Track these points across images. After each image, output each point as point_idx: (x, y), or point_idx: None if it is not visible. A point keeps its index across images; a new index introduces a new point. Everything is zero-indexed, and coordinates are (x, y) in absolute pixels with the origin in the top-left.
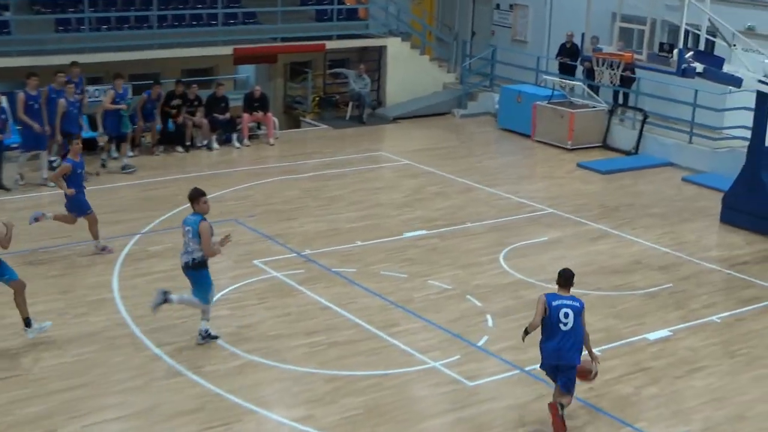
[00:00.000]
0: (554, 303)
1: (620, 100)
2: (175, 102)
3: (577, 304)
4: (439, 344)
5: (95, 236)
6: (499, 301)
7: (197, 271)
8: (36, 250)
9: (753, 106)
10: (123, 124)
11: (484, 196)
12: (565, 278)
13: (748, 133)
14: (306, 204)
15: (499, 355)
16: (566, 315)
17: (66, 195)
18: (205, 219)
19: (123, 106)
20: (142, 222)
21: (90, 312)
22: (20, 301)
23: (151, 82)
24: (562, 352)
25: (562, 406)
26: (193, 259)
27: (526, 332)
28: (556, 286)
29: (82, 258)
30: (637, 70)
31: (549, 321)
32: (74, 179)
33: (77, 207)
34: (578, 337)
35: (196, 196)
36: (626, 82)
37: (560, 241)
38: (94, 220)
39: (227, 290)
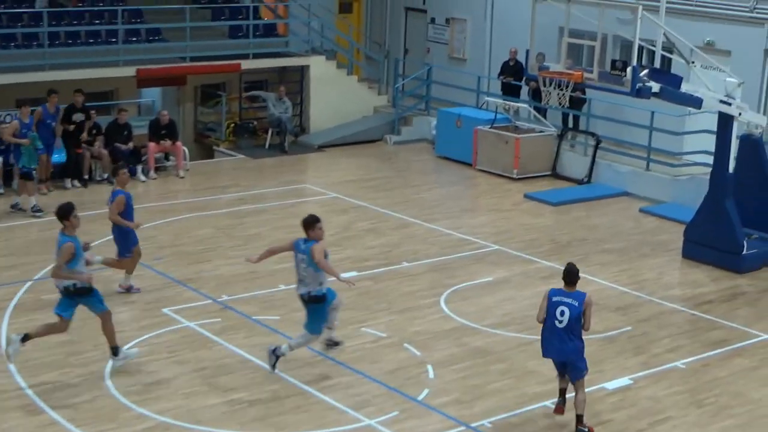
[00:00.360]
0: (554, 299)
1: (570, 124)
2: (77, 117)
3: (576, 304)
4: (375, 399)
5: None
6: (440, 349)
7: (316, 305)
8: None
9: (715, 128)
10: (31, 158)
11: (422, 233)
12: (567, 273)
13: (710, 159)
14: (220, 244)
15: (442, 410)
16: (562, 313)
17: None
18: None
19: (25, 141)
20: (36, 267)
21: None
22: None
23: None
24: (565, 352)
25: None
26: (309, 293)
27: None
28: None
29: None
30: (588, 91)
31: (548, 315)
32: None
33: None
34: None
35: (312, 222)
36: (576, 103)
37: (507, 281)
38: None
39: (133, 343)
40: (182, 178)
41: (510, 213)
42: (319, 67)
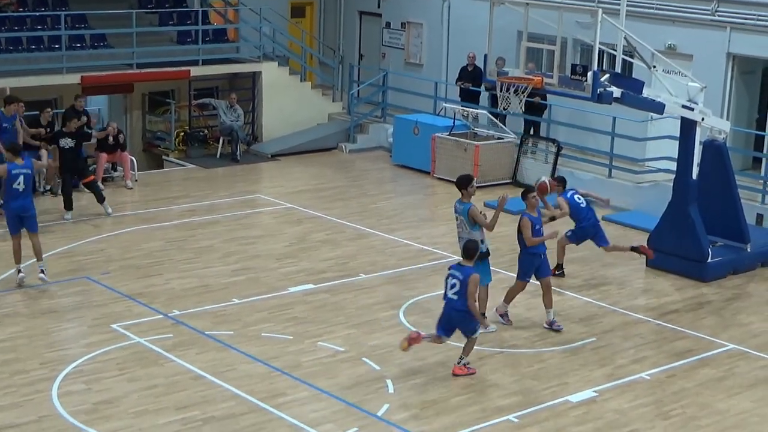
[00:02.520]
0: (449, 271)
1: (531, 130)
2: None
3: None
4: (333, 415)
5: None
6: (400, 363)
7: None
8: None
9: (677, 134)
10: None
11: (380, 243)
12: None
13: (673, 165)
14: (171, 257)
15: (403, 426)
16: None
17: None
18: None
19: None
20: None
21: None
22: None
23: None
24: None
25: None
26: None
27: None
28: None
29: None
30: (548, 96)
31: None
32: None
33: None
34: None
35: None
36: (537, 109)
37: None
38: None
39: (80, 360)
40: (131, 188)
41: None
42: (271, 74)
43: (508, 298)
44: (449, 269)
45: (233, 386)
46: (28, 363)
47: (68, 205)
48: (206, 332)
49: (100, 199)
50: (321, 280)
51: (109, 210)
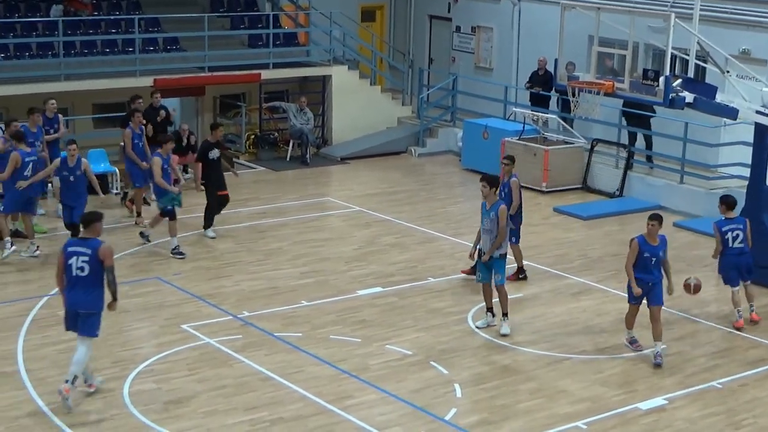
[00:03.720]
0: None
1: (634, 143)
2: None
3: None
4: (400, 419)
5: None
6: (468, 367)
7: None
8: None
9: (751, 140)
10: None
11: (448, 247)
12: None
13: (746, 171)
14: (240, 259)
15: (470, 431)
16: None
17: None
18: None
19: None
20: (52, 282)
21: None
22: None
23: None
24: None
25: None
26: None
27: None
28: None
29: None
30: (622, 102)
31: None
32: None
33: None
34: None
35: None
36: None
37: (537, 297)
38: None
39: (152, 360)
40: (201, 191)
41: (539, 227)
42: (341, 77)
43: (628, 324)
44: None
45: (302, 388)
46: (101, 361)
47: (209, 223)
48: (275, 334)
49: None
50: (389, 284)
51: (211, 234)
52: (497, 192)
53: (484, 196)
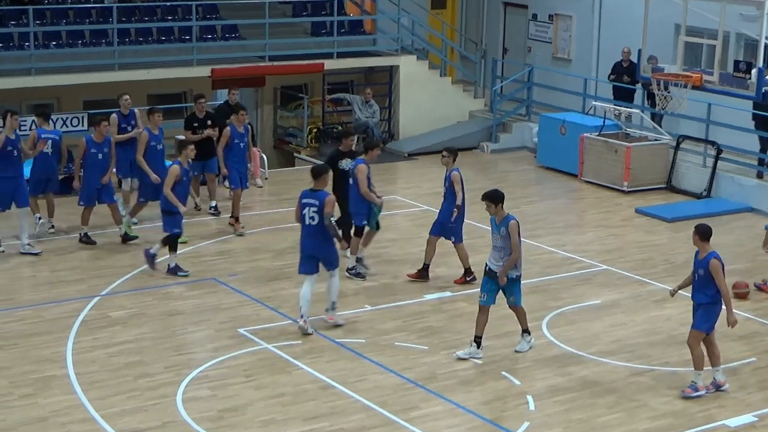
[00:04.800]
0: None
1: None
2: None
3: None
4: None
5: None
6: (542, 378)
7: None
8: None
9: None
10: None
11: (522, 250)
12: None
13: None
14: None
15: None
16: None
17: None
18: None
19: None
20: (103, 281)
21: (38, 393)
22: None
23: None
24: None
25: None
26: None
27: None
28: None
29: (24, 325)
30: (708, 95)
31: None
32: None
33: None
34: None
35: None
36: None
37: (617, 304)
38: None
39: (206, 365)
40: (260, 187)
41: (620, 229)
42: (409, 68)
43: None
44: None
45: (364, 397)
46: (154, 366)
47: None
48: (337, 340)
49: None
50: (459, 288)
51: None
52: (503, 206)
53: (491, 214)
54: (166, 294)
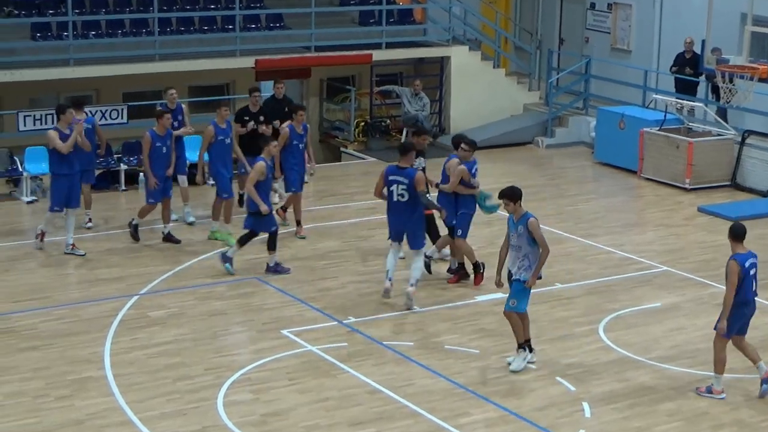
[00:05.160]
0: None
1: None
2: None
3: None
4: None
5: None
6: (598, 384)
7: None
8: (2, 315)
9: None
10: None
11: (578, 250)
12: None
13: None
14: (347, 259)
15: None
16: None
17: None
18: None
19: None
20: (142, 279)
21: (74, 394)
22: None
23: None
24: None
25: None
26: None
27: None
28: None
29: (62, 324)
30: None
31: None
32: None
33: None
34: None
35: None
36: None
37: (678, 307)
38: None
39: (248, 368)
40: (305, 183)
41: (681, 229)
42: (461, 59)
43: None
44: None
45: (412, 403)
46: (194, 368)
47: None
48: (384, 342)
49: None
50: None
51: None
52: (521, 204)
53: (509, 211)
54: (208, 293)
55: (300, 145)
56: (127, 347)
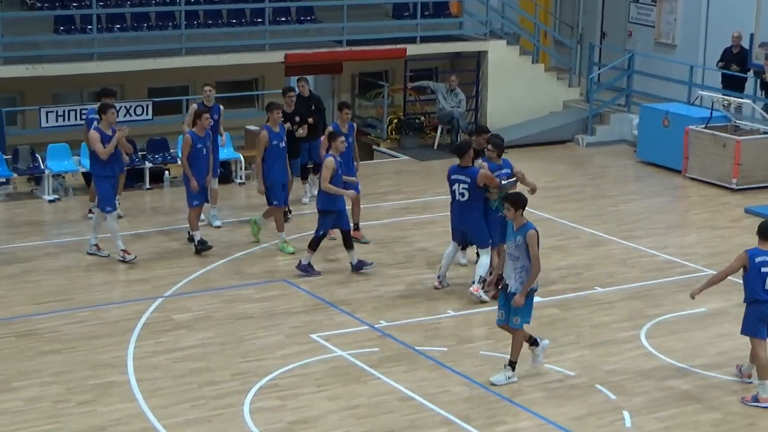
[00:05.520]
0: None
1: None
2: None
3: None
4: None
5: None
6: (640, 392)
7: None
8: (23, 317)
9: None
10: None
11: (619, 252)
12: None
13: None
14: (379, 260)
15: None
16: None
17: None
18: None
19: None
20: (167, 281)
21: (96, 399)
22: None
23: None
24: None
25: None
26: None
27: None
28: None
29: (84, 327)
30: None
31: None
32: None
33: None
34: None
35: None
36: None
37: (724, 313)
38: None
39: (276, 373)
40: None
41: (727, 231)
42: (498, 54)
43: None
44: None
45: (446, 410)
46: (219, 374)
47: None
48: (417, 347)
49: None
50: (550, 293)
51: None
52: (522, 213)
53: (509, 218)
54: (234, 296)
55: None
56: (151, 351)
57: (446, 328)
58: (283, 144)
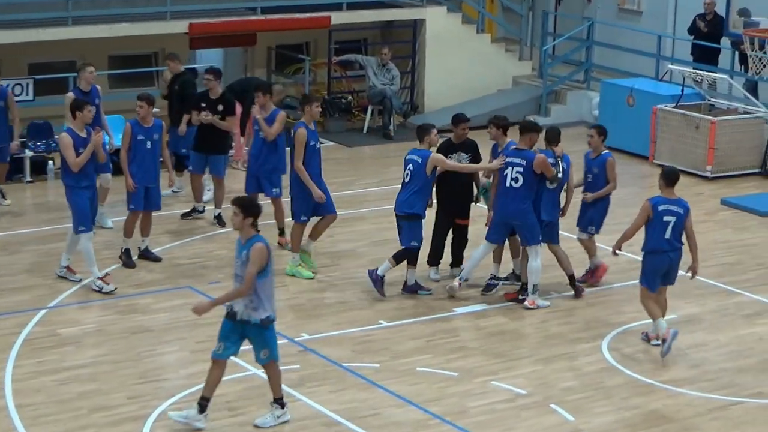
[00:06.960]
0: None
1: None
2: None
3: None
4: None
5: None
6: (601, 412)
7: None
8: None
9: None
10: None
11: (578, 252)
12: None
13: None
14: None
15: None
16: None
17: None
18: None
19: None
20: (51, 290)
21: None
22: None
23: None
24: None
25: None
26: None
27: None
28: None
29: None
30: None
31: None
32: None
33: None
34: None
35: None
36: None
37: (697, 319)
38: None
39: (180, 396)
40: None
41: (702, 225)
42: (438, 23)
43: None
44: None
45: None
46: (113, 397)
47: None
48: (344, 364)
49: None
50: (497, 300)
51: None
52: (254, 222)
53: (236, 227)
54: (131, 306)
55: (317, 146)
56: (33, 372)
57: (378, 340)
58: (319, 145)
